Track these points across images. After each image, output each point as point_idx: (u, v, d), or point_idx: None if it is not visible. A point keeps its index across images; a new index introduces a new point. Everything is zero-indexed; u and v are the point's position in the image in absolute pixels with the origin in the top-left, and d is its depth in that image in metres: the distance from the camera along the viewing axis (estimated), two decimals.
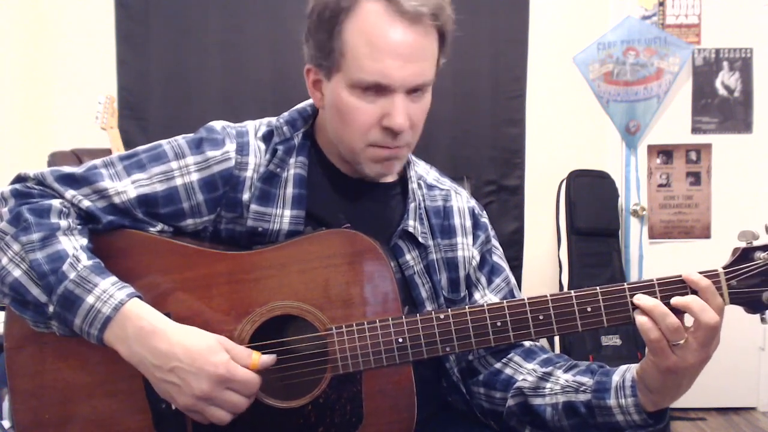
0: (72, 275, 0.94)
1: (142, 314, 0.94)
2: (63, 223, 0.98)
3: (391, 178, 1.17)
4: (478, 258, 1.18)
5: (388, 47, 0.97)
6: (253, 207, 1.07)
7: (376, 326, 0.98)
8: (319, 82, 1.07)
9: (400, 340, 0.97)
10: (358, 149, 1.05)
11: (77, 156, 2.52)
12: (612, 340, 2.85)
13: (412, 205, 1.13)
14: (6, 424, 1.91)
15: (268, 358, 0.96)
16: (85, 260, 0.96)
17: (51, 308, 0.94)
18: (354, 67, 0.99)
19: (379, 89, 1.00)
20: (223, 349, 0.93)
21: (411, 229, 1.11)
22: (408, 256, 1.11)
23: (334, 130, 1.07)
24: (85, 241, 0.99)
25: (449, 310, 0.98)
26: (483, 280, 1.18)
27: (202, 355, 0.91)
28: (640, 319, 0.91)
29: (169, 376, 0.92)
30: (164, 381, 0.92)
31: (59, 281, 0.93)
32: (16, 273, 0.95)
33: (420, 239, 1.12)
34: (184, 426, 0.99)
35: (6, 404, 1.97)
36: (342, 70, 1.01)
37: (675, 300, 0.91)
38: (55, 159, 2.49)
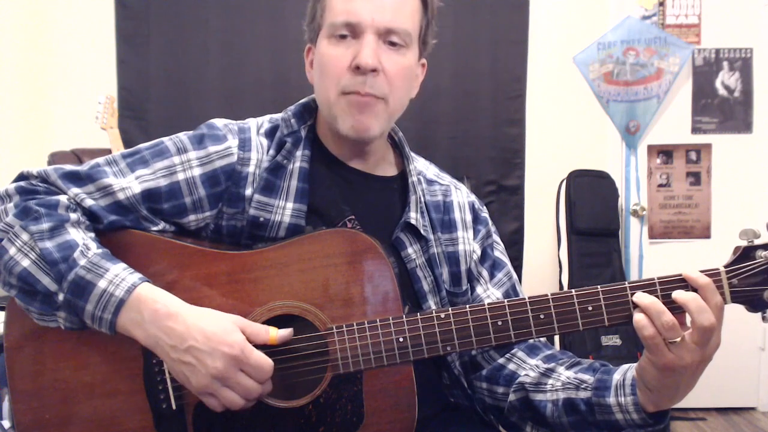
0: (83, 262, 0.94)
1: (156, 297, 0.94)
2: (73, 216, 0.99)
3: (391, 172, 1.18)
4: (479, 252, 1.18)
5: None
6: (257, 197, 1.07)
7: (377, 325, 0.97)
8: (314, 61, 1.11)
9: (401, 339, 0.97)
10: (333, 100, 1.07)
11: (77, 156, 2.52)
12: (612, 340, 2.85)
13: (413, 198, 1.13)
14: (6, 424, 1.91)
15: (285, 332, 0.96)
16: (95, 248, 0.96)
17: (61, 297, 0.94)
18: (329, 16, 1.06)
19: (352, 33, 1.04)
20: (238, 330, 0.94)
21: (413, 221, 1.11)
22: (410, 249, 1.11)
23: (317, 90, 1.11)
24: (92, 234, 1.00)
25: (450, 309, 0.98)
26: (485, 274, 1.18)
27: (217, 335, 0.92)
28: (637, 316, 0.91)
29: (185, 356, 0.92)
30: (180, 361, 0.92)
31: (70, 268, 0.94)
32: (25, 263, 0.95)
33: (422, 231, 1.12)
34: (185, 426, 0.99)
35: (6, 404, 1.97)
36: (322, 26, 1.07)
37: (676, 294, 0.90)
38: (55, 159, 2.48)
